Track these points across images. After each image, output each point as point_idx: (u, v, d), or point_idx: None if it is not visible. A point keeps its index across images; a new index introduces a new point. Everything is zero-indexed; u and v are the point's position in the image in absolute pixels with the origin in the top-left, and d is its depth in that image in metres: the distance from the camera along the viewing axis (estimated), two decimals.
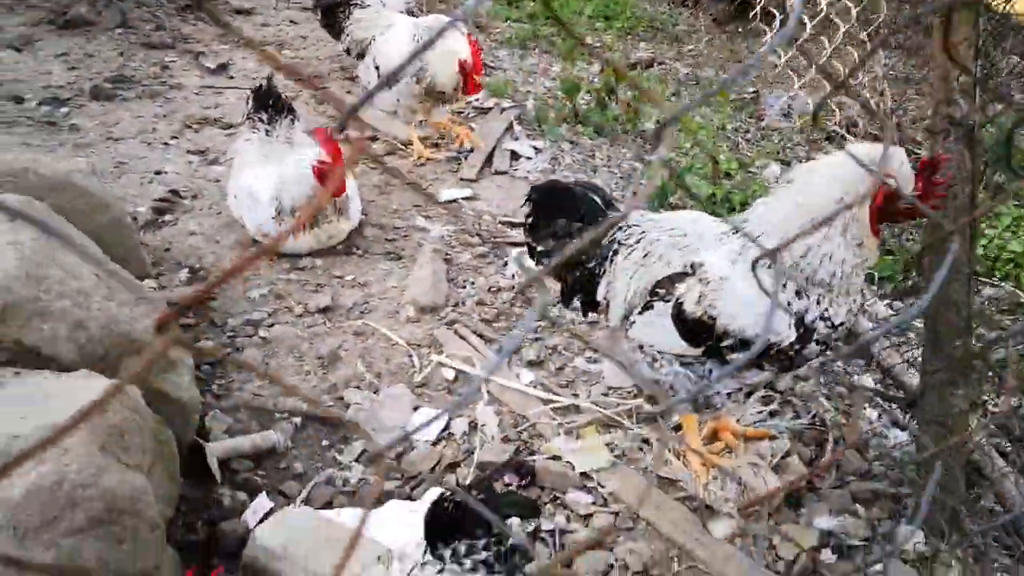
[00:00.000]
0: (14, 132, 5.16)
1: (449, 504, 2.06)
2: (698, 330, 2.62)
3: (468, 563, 2.08)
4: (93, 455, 1.99)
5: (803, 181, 2.47)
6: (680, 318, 2.63)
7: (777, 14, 7.94)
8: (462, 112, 6.05)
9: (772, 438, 3.14)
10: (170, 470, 2.49)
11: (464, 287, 4.19)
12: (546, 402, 3.41)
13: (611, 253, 2.77)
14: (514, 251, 4.45)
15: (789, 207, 2.48)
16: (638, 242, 2.73)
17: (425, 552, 2.12)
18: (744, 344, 2.59)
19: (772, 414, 3.31)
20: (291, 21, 7.60)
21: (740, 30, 9.43)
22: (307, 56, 6.86)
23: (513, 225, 4.68)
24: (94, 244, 3.06)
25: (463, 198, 4.94)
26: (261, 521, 2.83)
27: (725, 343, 2.62)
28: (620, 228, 2.78)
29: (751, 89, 7.69)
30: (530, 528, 2.17)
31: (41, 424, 1.97)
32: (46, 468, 1.88)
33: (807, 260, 2.48)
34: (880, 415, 3.50)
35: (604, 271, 2.78)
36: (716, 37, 9.28)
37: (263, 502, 2.98)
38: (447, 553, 2.10)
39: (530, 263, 3.16)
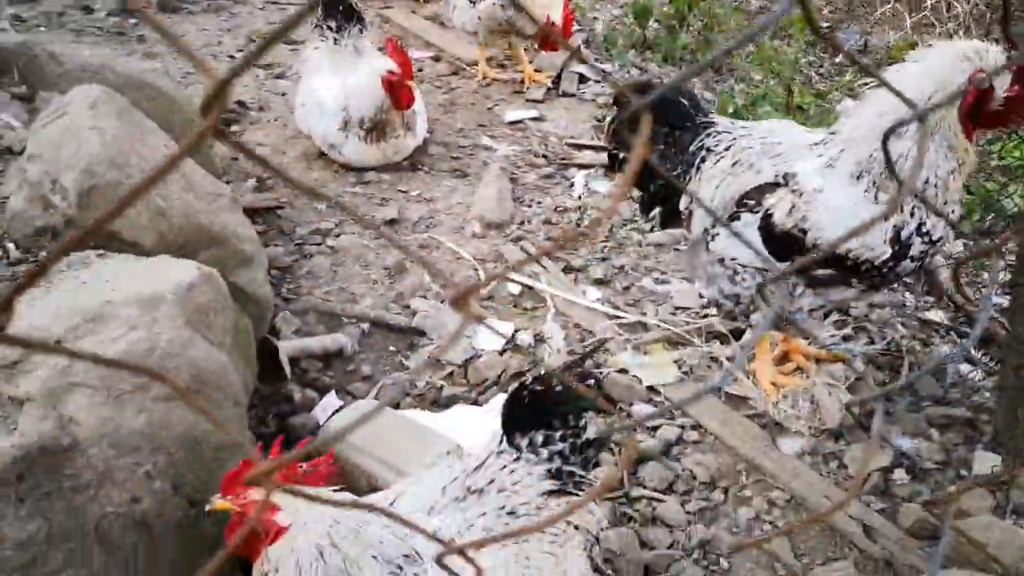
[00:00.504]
0: (83, 40, 5.19)
1: (528, 394, 2.04)
2: (786, 243, 2.55)
3: (544, 453, 2.08)
4: (181, 328, 2.02)
5: (894, 80, 2.37)
6: (768, 230, 2.57)
7: None
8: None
9: (845, 361, 3.08)
10: (247, 357, 2.52)
11: (530, 206, 4.14)
12: (613, 318, 3.38)
13: (698, 160, 2.70)
14: (580, 173, 4.38)
15: (880, 109, 2.39)
16: (727, 149, 2.65)
17: (501, 442, 2.13)
18: (834, 259, 2.52)
19: (845, 339, 3.24)
20: None
21: None
22: None
23: (580, 147, 4.61)
24: (171, 139, 3.07)
25: (529, 119, 4.86)
26: (332, 416, 2.87)
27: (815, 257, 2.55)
28: (709, 134, 2.70)
29: (825, 24, 7.41)
30: (604, 425, 2.15)
31: (130, 294, 2.00)
32: (138, 335, 1.91)
33: (899, 167, 2.40)
34: (952, 351, 3.40)
35: (689, 179, 2.71)
36: None
37: (332, 400, 3.02)
38: (523, 443, 2.10)
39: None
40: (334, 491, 1.87)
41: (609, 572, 2.36)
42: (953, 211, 2.40)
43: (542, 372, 2.12)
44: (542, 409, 2.06)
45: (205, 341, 2.09)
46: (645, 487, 2.69)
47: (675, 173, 2.74)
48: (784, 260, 2.61)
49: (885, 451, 2.75)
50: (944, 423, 2.87)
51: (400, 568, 1.84)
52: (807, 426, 2.81)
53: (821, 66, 6.69)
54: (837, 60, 6.88)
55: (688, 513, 2.61)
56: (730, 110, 4.93)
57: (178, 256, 2.58)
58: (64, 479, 1.77)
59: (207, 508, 1.77)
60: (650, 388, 3.05)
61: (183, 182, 2.80)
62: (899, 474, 2.70)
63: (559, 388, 2.07)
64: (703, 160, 2.71)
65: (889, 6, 6.88)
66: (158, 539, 1.87)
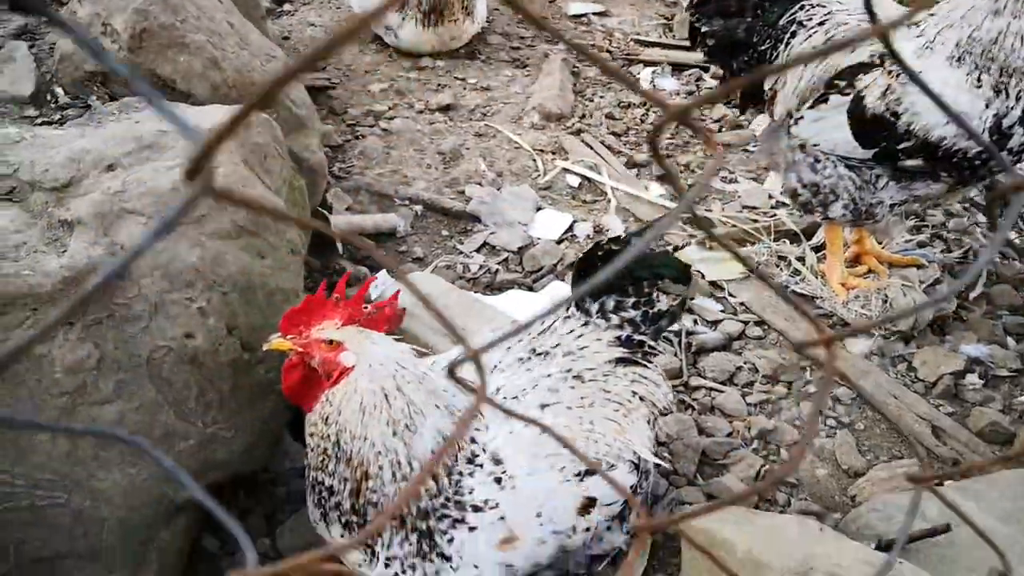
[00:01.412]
0: None
1: (604, 255, 1.93)
2: (876, 129, 2.39)
3: (615, 319, 1.98)
4: (239, 165, 1.93)
5: None
6: (858, 114, 2.40)
7: None
8: None
9: (920, 266, 2.92)
10: (302, 217, 2.43)
11: (592, 100, 3.98)
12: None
13: (787, 35, 2.51)
14: (646, 69, 4.19)
15: None
16: (820, 24, 2.46)
17: (568, 307, 2.03)
18: (926, 148, 2.35)
19: (920, 245, 3.07)
20: None
21: None
22: None
23: (646, 44, 4.40)
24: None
25: (593, 13, 4.65)
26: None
27: (903, 145, 2.38)
28: (802, 7, 2.51)
29: None
30: (679, 296, 2.03)
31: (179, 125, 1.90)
32: None
33: (1000, 46, 2.21)
34: None
35: (777, 55, 2.53)
36: None
37: (384, 278, 2.93)
38: (594, 308, 1.99)
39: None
40: (395, 339, 1.79)
41: (665, 454, 2.28)
42: None
43: (618, 235, 1.99)
44: (616, 273, 1.95)
45: (262, 184, 2.00)
46: (705, 377, 2.59)
47: (762, 48, 2.56)
48: (871, 148, 2.44)
49: (956, 356, 2.61)
50: (1021, 332, 2.72)
51: None
52: (879, 327, 2.68)
53: None
54: None
55: (749, 405, 2.51)
56: None
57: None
58: (116, 308, 1.70)
59: (265, 346, 1.70)
60: (713, 283, 2.92)
61: (237, 38, 2.69)
62: (971, 379, 2.57)
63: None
64: (793, 35, 2.52)
65: None
66: (210, 378, 1.81)
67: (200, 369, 1.79)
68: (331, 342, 1.69)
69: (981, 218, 3.26)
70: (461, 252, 3.12)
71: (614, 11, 4.68)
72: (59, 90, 2.47)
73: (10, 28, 2.69)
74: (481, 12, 4.21)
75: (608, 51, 4.34)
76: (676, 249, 2.97)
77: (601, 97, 3.99)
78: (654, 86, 4.09)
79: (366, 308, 1.75)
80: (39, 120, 2.39)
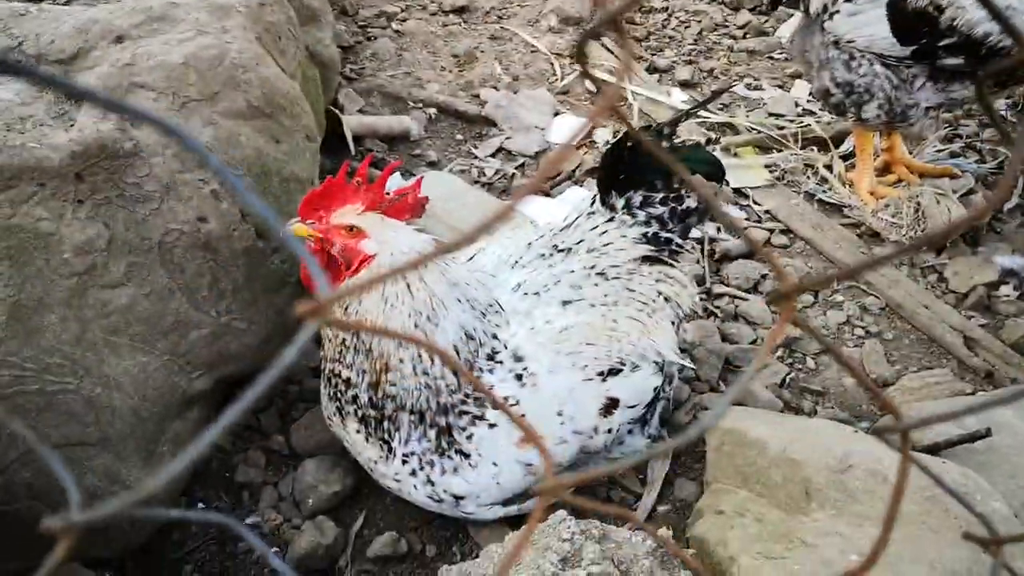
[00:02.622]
0: None
1: (631, 147, 1.84)
2: (917, 23, 2.27)
3: (642, 215, 1.90)
4: (252, 43, 1.82)
5: None
6: (899, 8, 2.27)
7: None
8: None
9: (953, 176, 2.83)
10: (316, 111, 2.32)
11: (613, 2, 3.81)
12: (700, 119, 3.12)
13: None
14: None
15: None
16: None
17: (593, 202, 1.94)
18: (969, 45, 2.23)
19: (953, 155, 2.97)
20: None
21: None
22: None
23: None
24: None
25: None
26: None
27: (944, 42, 2.27)
28: None
29: None
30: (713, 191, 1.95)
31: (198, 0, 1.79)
32: (207, 40, 1.71)
33: None
34: None
35: None
36: None
37: (397, 180, 2.84)
38: (619, 203, 1.91)
39: None
40: (416, 230, 1.71)
41: (688, 359, 2.22)
42: None
43: (648, 125, 1.89)
44: (644, 165, 1.86)
45: (276, 65, 1.89)
46: (728, 284, 2.52)
47: None
48: (910, 44, 2.32)
49: (989, 267, 2.53)
50: None
51: (483, 314, 1.70)
52: (908, 236, 2.60)
53: None
54: None
55: (774, 312, 2.44)
56: None
57: None
58: (126, 187, 1.62)
59: (283, 231, 1.61)
60: (737, 191, 2.83)
61: None
62: (1004, 291, 2.50)
63: (664, 144, 1.87)
64: None
65: None
66: (225, 265, 1.74)
67: (214, 255, 1.72)
68: (352, 228, 1.62)
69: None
70: (476, 156, 3.02)
71: None
72: None
73: None
74: None
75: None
76: (709, 142, 2.87)
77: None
78: None
79: (388, 195, 1.67)
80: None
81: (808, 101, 3.18)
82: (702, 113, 3.12)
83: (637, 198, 1.90)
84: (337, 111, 2.92)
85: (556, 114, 3.19)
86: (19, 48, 1.71)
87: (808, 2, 2.49)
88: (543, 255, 1.88)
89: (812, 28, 2.53)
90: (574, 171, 2.94)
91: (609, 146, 1.93)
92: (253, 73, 1.76)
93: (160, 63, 1.66)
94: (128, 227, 1.62)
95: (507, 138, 3.07)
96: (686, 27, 3.70)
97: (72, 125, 1.59)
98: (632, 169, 1.88)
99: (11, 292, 1.50)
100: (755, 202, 2.79)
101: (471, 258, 1.93)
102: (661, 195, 1.90)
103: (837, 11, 2.40)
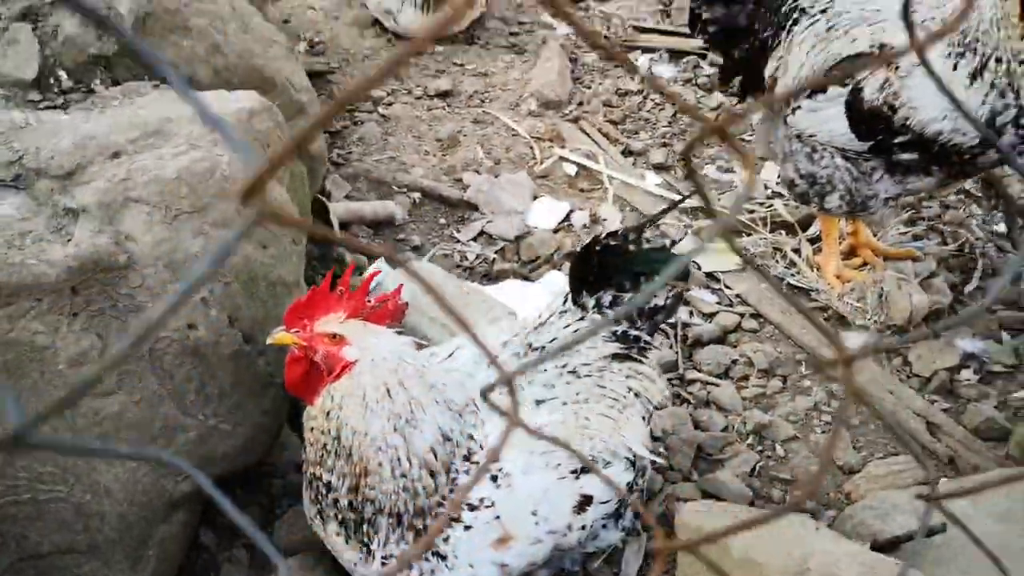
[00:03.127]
0: None
1: (600, 249, 1.94)
2: (873, 121, 2.40)
3: (611, 314, 1.99)
4: None
5: None
6: (855, 106, 2.41)
7: None
8: None
9: (916, 259, 2.94)
10: (302, 206, 2.43)
11: (590, 87, 3.97)
12: (673, 204, 3.24)
13: (789, 22, 2.51)
14: (644, 56, 4.18)
15: None
16: (823, 12, 2.46)
17: (565, 300, 2.04)
18: (921, 142, 2.36)
19: (916, 238, 3.09)
20: None
21: None
22: None
23: (644, 30, 4.38)
24: None
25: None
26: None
27: (900, 139, 2.40)
28: None
29: None
30: (674, 291, 2.05)
31: (191, 114, 1.90)
32: (199, 154, 1.81)
33: (1001, 46, 2.23)
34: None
35: (778, 43, 2.54)
36: None
37: (383, 266, 2.93)
38: (590, 303, 2.01)
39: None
40: (397, 333, 1.79)
41: (661, 449, 2.30)
42: None
43: (614, 230, 2.00)
44: (613, 267, 1.96)
45: None
46: (700, 370, 2.61)
47: (764, 35, 2.56)
48: (867, 140, 2.46)
49: (951, 351, 2.64)
50: (1017, 327, 2.75)
51: (460, 415, 1.77)
52: (873, 320, 2.70)
53: None
54: None
55: (744, 399, 2.53)
56: None
57: None
58: (119, 298, 1.71)
59: (269, 340, 1.70)
60: (709, 275, 2.94)
61: (240, 22, 2.67)
62: (966, 375, 2.60)
63: (632, 246, 1.97)
64: (795, 22, 2.52)
65: None
66: (212, 370, 1.81)
67: (202, 361, 1.80)
68: (334, 336, 1.70)
69: (976, 210, 3.28)
70: (458, 240, 3.13)
71: None
72: (62, 73, 2.45)
73: (15, 9, 2.65)
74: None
75: (606, 37, 4.32)
76: (673, 244, 2.98)
77: (599, 84, 3.98)
78: (652, 73, 4.08)
79: (369, 301, 1.76)
80: (42, 104, 2.37)
81: (777, 184, 3.30)
82: (676, 197, 3.24)
83: (607, 298, 2.00)
84: (324, 199, 3.02)
85: (535, 197, 3.31)
86: (20, 162, 1.81)
87: (772, 96, 2.63)
88: (517, 355, 1.96)
89: (776, 121, 2.66)
90: (552, 255, 3.04)
91: (579, 250, 2.03)
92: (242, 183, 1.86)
93: (154, 177, 1.76)
94: (120, 337, 1.69)
95: (488, 222, 3.18)
96: (660, 109, 3.84)
97: (69, 240, 1.68)
98: (601, 271, 1.98)
99: (55, 438, 1.57)
100: (726, 286, 2.90)
101: (450, 355, 2.01)
102: (629, 295, 2.00)
103: (799, 107, 2.53)
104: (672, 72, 4.05)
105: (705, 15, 2.62)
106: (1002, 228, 3.32)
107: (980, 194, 3.52)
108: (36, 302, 1.61)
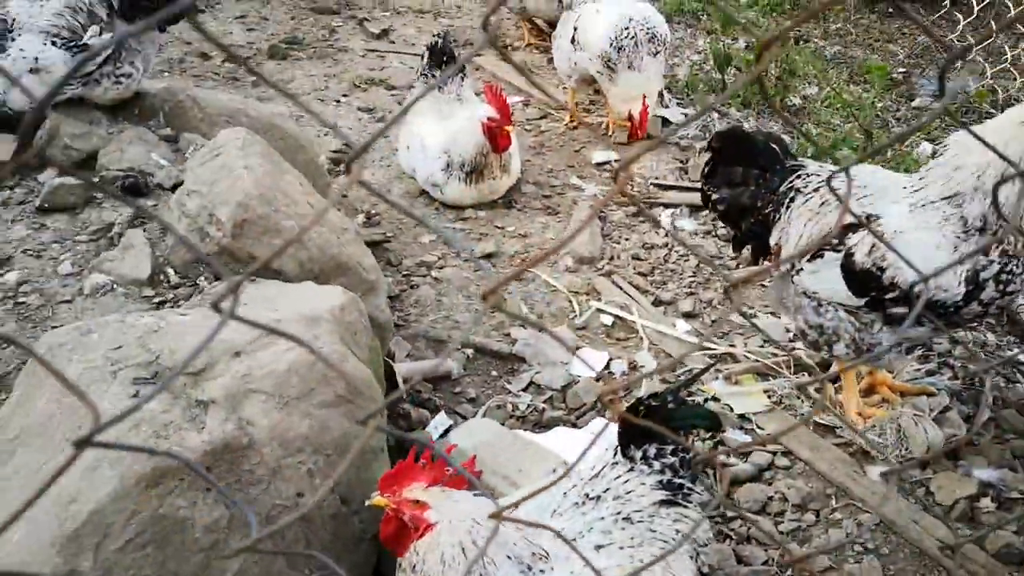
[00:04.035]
0: (203, 85, 5.63)
1: (644, 409, 2.26)
2: (865, 281, 2.73)
3: (656, 465, 2.29)
4: (337, 344, 2.30)
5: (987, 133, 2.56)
6: (849, 267, 2.75)
7: None
8: None
9: (930, 394, 3.21)
10: (378, 375, 2.78)
11: (619, 243, 4.37)
12: (703, 350, 3.57)
13: (787, 200, 2.90)
14: (666, 212, 4.60)
15: (960, 162, 2.58)
16: (816, 190, 2.85)
17: (615, 453, 2.34)
18: (909, 298, 2.68)
19: (929, 373, 3.37)
20: None
21: (890, 10, 9.17)
22: (461, 25, 7.15)
23: (665, 187, 4.83)
24: (302, 177, 3.39)
25: (615, 161, 5.11)
26: (443, 435, 3.12)
27: (890, 295, 2.72)
28: (799, 176, 2.91)
29: (901, 70, 7.53)
30: (713, 440, 2.35)
31: (294, 313, 2.29)
32: (304, 349, 2.18)
33: (980, 211, 2.57)
34: None
35: (779, 217, 2.92)
36: (865, 16, 9.07)
37: (442, 419, 3.26)
38: (637, 455, 2.31)
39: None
40: (474, 495, 2.10)
41: None
42: None
43: (656, 392, 2.32)
44: (656, 424, 2.26)
45: (354, 356, 2.36)
46: (740, 507, 2.87)
47: (766, 211, 2.94)
48: (863, 296, 2.78)
49: (970, 481, 2.87)
50: None
51: (529, 568, 2.05)
52: (894, 454, 2.96)
53: (898, 110, 6.80)
54: (915, 104, 6.99)
55: (781, 533, 2.77)
56: (809, 153, 5.10)
57: (313, 282, 2.87)
58: (242, 473, 2.04)
59: (367, 503, 2.02)
60: (741, 416, 3.22)
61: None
62: (985, 503, 2.82)
63: (672, 405, 2.29)
64: (792, 200, 2.91)
65: (969, 55, 6.95)
66: (315, 529, 2.13)
67: (308, 523, 2.11)
68: (417, 502, 2.02)
69: (991, 337, 3.56)
70: (510, 392, 3.46)
71: None
72: (171, 271, 2.89)
73: (125, 216, 3.14)
74: (516, 166, 4.67)
75: (631, 195, 4.76)
76: (707, 400, 3.27)
77: (627, 239, 4.39)
78: (674, 227, 4.49)
79: (448, 470, 2.08)
80: (156, 299, 2.80)
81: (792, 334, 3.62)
82: (706, 344, 3.57)
83: (652, 450, 2.30)
84: (390, 360, 3.39)
85: (577, 348, 3.65)
86: (157, 361, 2.19)
87: (778, 260, 2.98)
88: (576, 503, 2.26)
89: (785, 280, 3.01)
90: (596, 402, 3.35)
91: (624, 410, 2.35)
92: (339, 369, 2.23)
93: (270, 371, 2.13)
94: (247, 508, 2.02)
95: (536, 373, 3.51)
96: (685, 260, 4.23)
97: (203, 428, 2.04)
98: (645, 429, 2.29)
99: (154, 570, 1.89)
100: (758, 427, 3.18)
101: (516, 506, 2.30)
102: (671, 447, 2.30)
103: (802, 269, 2.88)
104: (693, 225, 4.47)
105: (714, 196, 3.03)
106: (1015, 354, 3.60)
107: (994, 321, 3.82)
108: (179, 481, 1.95)
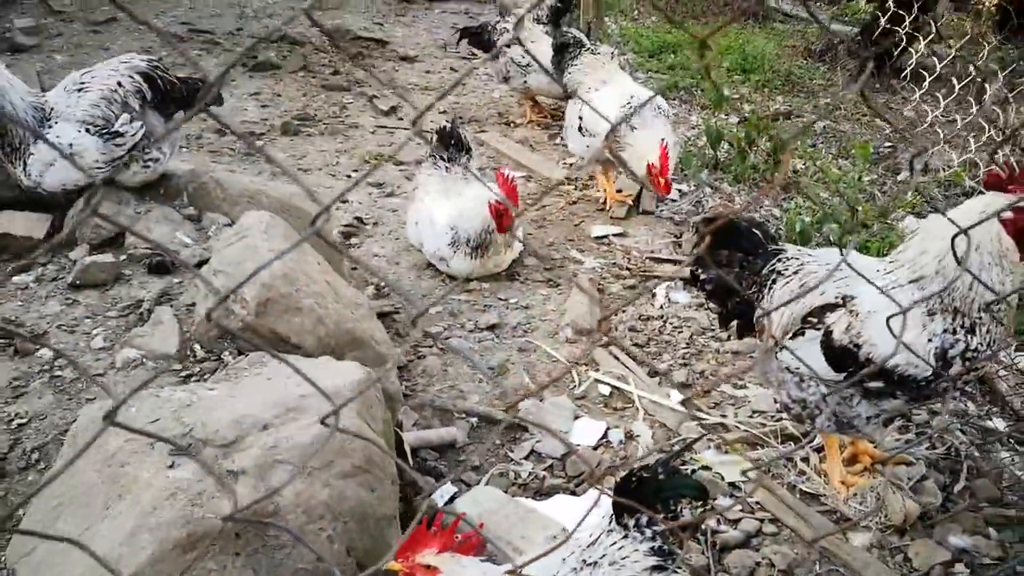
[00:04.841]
0: (220, 160, 5.93)
1: (636, 480, 2.45)
2: (843, 357, 2.94)
3: (648, 532, 2.47)
4: (355, 418, 2.50)
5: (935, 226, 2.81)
6: (828, 345, 2.96)
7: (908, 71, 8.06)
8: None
9: (909, 464, 3.40)
10: (390, 445, 2.98)
11: (616, 314, 4.60)
12: (696, 419, 3.77)
13: (770, 282, 3.14)
14: (661, 284, 4.84)
15: (926, 247, 2.81)
16: (795, 273, 3.09)
17: (611, 521, 2.53)
18: (883, 373, 2.89)
19: (908, 443, 3.56)
20: (451, 68, 8.30)
21: (877, 85, 9.57)
22: (466, 102, 7.51)
23: (660, 260, 5.08)
24: (320, 257, 3.64)
25: (613, 235, 5.37)
26: (448, 503, 3.30)
27: (866, 371, 2.93)
28: (780, 259, 3.15)
29: (888, 143, 7.86)
30: (701, 508, 2.53)
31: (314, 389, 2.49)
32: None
33: (947, 292, 2.79)
34: (1013, 457, 3.69)
35: (762, 298, 3.15)
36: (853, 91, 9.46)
37: (448, 487, 3.44)
38: (631, 522, 2.49)
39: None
40: (481, 560, 2.29)
41: None
42: (999, 332, 2.77)
43: (647, 463, 2.52)
44: (647, 494, 2.46)
45: (370, 429, 2.57)
46: (729, 573, 3.03)
47: (750, 292, 3.18)
48: (840, 371, 2.98)
49: (945, 548, 3.04)
50: (1001, 523, 3.16)
51: None
52: (874, 522, 3.13)
53: (884, 184, 7.10)
54: (900, 179, 7.30)
55: None
56: (797, 228, 5.36)
57: (330, 356, 3.09)
58: (269, 539, 2.23)
59: (384, 566, 2.20)
60: (731, 484, 3.41)
61: (334, 294, 3.34)
62: (959, 568, 2.99)
63: (662, 476, 2.48)
64: (774, 282, 3.14)
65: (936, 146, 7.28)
66: None
67: None
68: (429, 567, 2.21)
69: (972, 407, 3.75)
70: (512, 460, 3.64)
71: (631, 232, 5.40)
72: (197, 347, 3.11)
73: (153, 292, 3.38)
74: (518, 241, 4.93)
75: (628, 268, 5.01)
76: (694, 472, 3.47)
77: (624, 311, 4.62)
78: (669, 299, 4.72)
79: (457, 538, 2.27)
80: (183, 373, 3.02)
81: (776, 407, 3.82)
82: (699, 414, 3.77)
83: (644, 519, 2.49)
84: (398, 430, 3.58)
85: (576, 417, 3.84)
86: (190, 434, 2.39)
87: (762, 337, 3.20)
88: (575, 569, 2.43)
89: (769, 356, 3.22)
90: (592, 474, 3.53)
91: (618, 482, 2.55)
92: (357, 442, 2.43)
93: (295, 444, 2.33)
94: (269, 570, 2.21)
95: (537, 441, 3.70)
96: (679, 332, 4.45)
97: (234, 496, 2.23)
98: (638, 496, 2.48)
99: None
100: (747, 495, 3.36)
101: (519, 571, 2.48)
102: (661, 515, 2.49)
103: (784, 346, 3.10)
104: (687, 298, 4.70)
105: (702, 276, 3.27)
106: (994, 424, 3.80)
107: (974, 391, 4.03)
108: (211, 546, 2.14)
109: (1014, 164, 2.82)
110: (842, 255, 3.10)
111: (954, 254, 2.67)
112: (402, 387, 3.97)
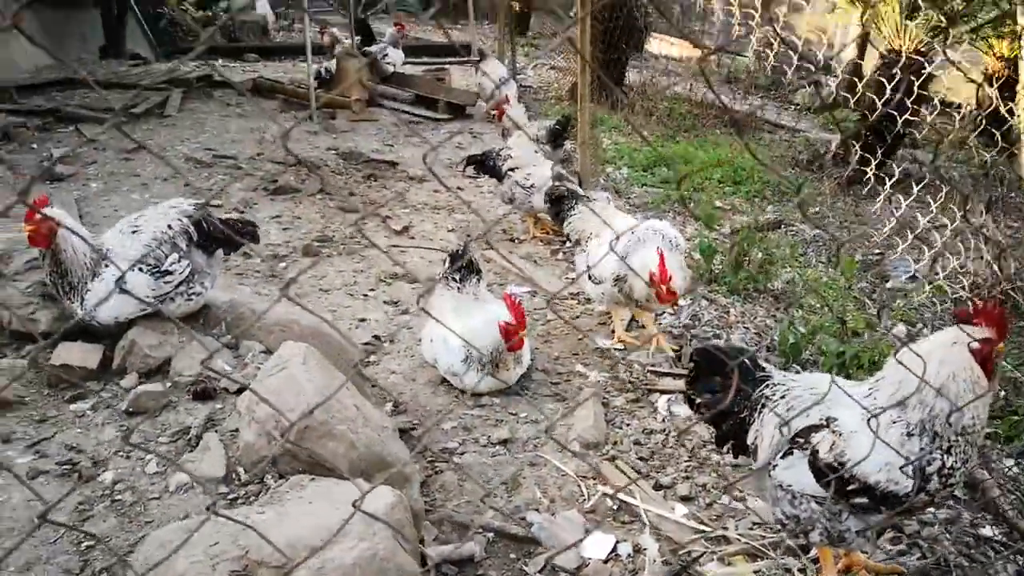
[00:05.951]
0: (246, 283, 6.32)
1: None
2: (829, 474, 3.23)
3: None
4: (389, 539, 2.78)
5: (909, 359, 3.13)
6: (814, 463, 3.25)
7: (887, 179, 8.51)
8: None
9: (900, 574, 3.64)
10: (418, 561, 3.23)
11: (621, 428, 4.89)
12: (699, 532, 4.01)
13: (760, 406, 3.45)
14: (663, 398, 5.14)
15: (902, 377, 3.14)
16: (783, 397, 3.40)
17: None
18: (867, 489, 3.17)
19: (900, 553, 3.80)
20: (459, 187, 8.80)
21: (865, 192, 10.07)
22: (474, 220, 7.96)
23: (661, 374, 5.40)
24: (349, 384, 3.96)
25: (616, 349, 5.70)
26: None
27: (850, 487, 3.21)
28: (768, 386, 3.47)
29: (876, 251, 8.28)
30: None
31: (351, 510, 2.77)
32: (365, 545, 2.67)
33: (926, 416, 3.10)
34: (1006, 564, 3.92)
35: (753, 420, 3.46)
36: (840, 200, 9.96)
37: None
38: None
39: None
40: None
41: None
42: (974, 451, 3.07)
43: None
44: None
45: (402, 549, 2.84)
46: None
47: (742, 416, 3.49)
48: (828, 489, 3.26)
49: None
50: None
51: None
52: None
53: (873, 291, 7.48)
54: (889, 286, 7.68)
55: None
56: (790, 340, 5.70)
57: (360, 478, 3.37)
58: None
59: None
60: None
61: (363, 419, 3.65)
62: None
63: None
64: (764, 406, 3.46)
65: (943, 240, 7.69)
66: None
67: None
68: None
69: (966, 514, 3.99)
70: (527, 573, 3.87)
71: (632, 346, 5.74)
72: (241, 470, 3.40)
73: (199, 419, 3.69)
74: (526, 357, 5.26)
75: (630, 382, 5.33)
76: (697, 559, 3.71)
77: (628, 424, 4.91)
78: (671, 412, 5.02)
79: None
80: (230, 496, 3.30)
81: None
82: (703, 528, 4.02)
83: None
84: (421, 545, 3.83)
85: (587, 531, 4.09)
86: (247, 555, 2.66)
87: (756, 456, 3.50)
88: None
89: (763, 474, 3.51)
90: None
91: None
92: (391, 563, 2.70)
93: (339, 565, 2.60)
94: None
95: (550, 556, 3.94)
96: (681, 445, 4.72)
97: None
98: None
99: None
100: None
101: None
102: None
103: (776, 465, 3.39)
104: (687, 412, 4.98)
105: (697, 400, 3.59)
106: (988, 532, 4.04)
107: (967, 497, 4.29)
108: None
109: (979, 303, 3.16)
110: (832, 379, 3.42)
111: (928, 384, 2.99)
112: (423, 503, 4.23)
